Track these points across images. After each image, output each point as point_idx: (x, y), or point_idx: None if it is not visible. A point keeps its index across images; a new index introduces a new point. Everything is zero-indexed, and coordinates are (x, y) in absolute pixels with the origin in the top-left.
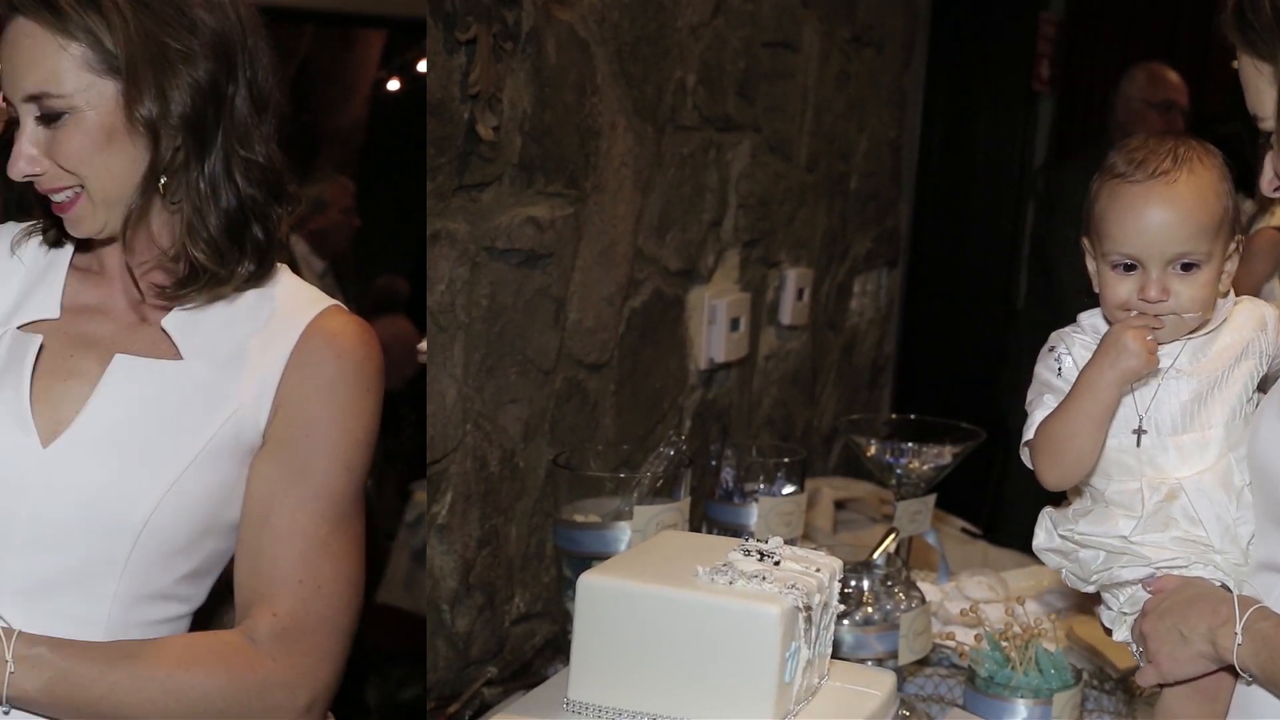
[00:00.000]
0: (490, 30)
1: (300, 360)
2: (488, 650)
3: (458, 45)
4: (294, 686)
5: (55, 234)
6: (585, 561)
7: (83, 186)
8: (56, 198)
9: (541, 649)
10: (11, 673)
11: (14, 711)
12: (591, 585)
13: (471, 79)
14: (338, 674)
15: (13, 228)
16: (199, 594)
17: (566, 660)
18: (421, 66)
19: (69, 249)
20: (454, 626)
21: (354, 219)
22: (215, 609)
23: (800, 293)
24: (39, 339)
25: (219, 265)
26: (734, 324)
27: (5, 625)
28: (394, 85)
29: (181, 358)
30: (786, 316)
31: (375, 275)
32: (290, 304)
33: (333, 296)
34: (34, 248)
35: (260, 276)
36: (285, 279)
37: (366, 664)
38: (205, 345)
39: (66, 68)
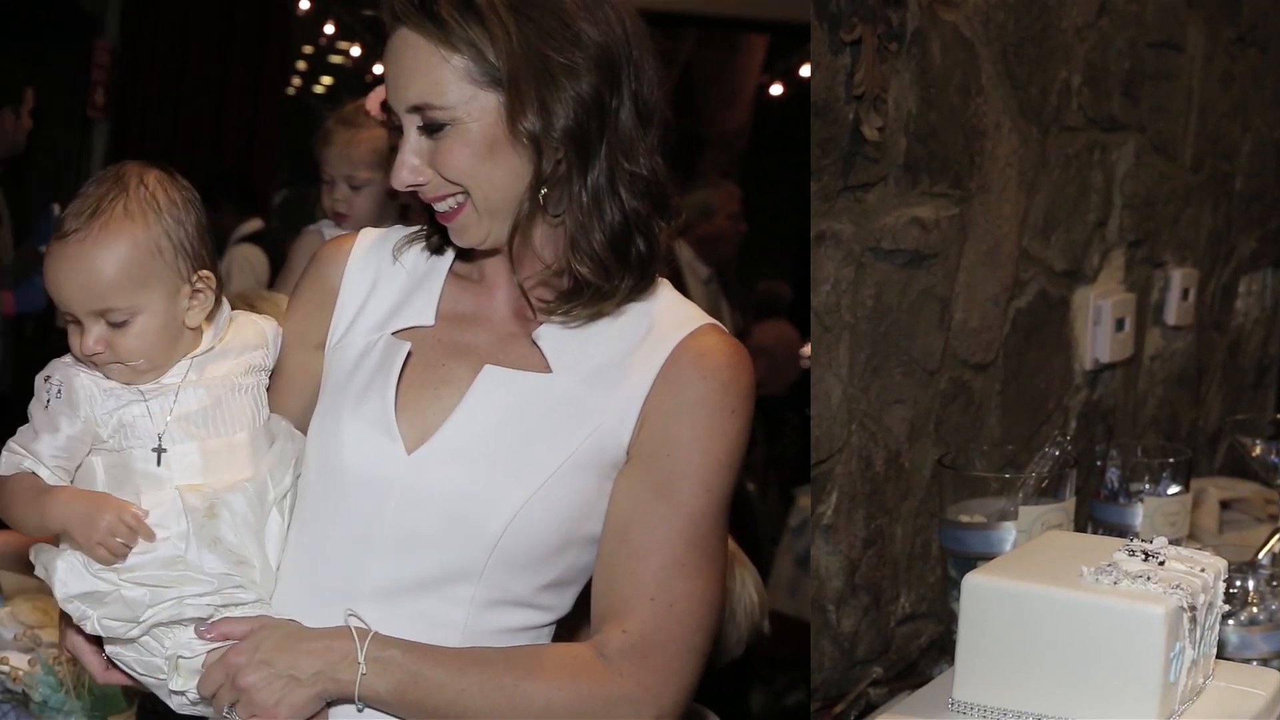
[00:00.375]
0: (875, 31)
1: (667, 379)
2: (873, 650)
3: (842, 46)
4: (640, 703)
5: (438, 240)
6: (970, 561)
7: (467, 194)
8: (440, 206)
9: (927, 649)
10: (363, 674)
11: (368, 710)
12: (977, 585)
13: (856, 80)
14: (687, 692)
15: (398, 231)
16: (561, 604)
17: (951, 660)
18: (804, 70)
19: (449, 256)
20: (839, 627)
21: (740, 225)
22: (583, 620)
23: (1185, 293)
24: (407, 346)
25: (603, 280)
26: (1119, 324)
27: (361, 625)
28: (777, 89)
29: (550, 371)
30: (1172, 317)
31: (758, 280)
32: (665, 321)
33: (717, 303)
34: (415, 253)
35: (641, 291)
36: (665, 294)
37: (751, 670)
38: (575, 359)
39: (449, 79)
